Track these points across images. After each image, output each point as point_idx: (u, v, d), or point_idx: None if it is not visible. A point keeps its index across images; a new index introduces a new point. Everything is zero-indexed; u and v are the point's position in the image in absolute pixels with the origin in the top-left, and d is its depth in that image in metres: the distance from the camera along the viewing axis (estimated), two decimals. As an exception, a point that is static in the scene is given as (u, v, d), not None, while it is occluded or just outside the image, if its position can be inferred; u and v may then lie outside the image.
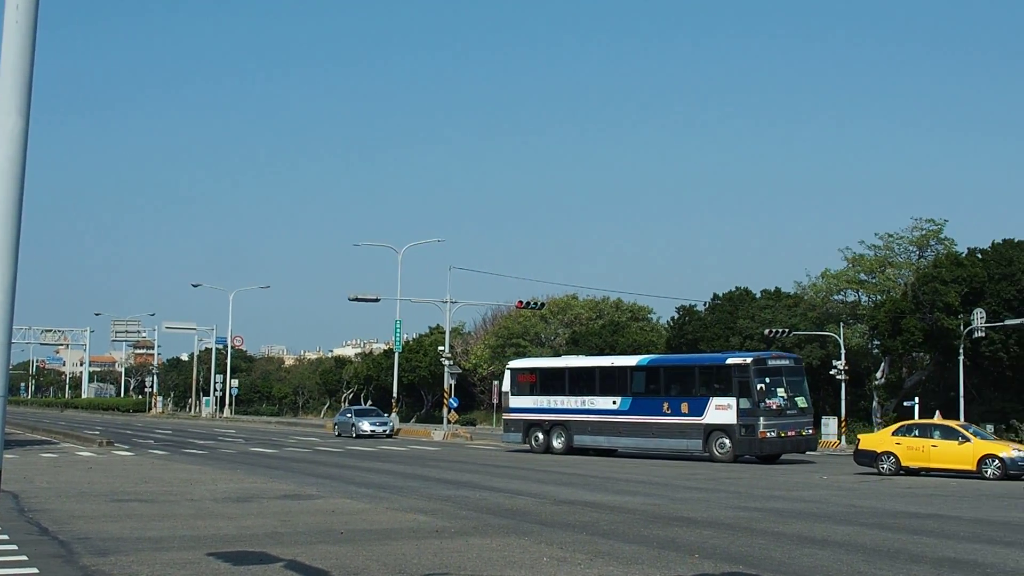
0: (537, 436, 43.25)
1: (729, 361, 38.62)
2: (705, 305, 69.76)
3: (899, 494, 26.05)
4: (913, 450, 32.72)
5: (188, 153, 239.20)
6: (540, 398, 43.72)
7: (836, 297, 65.85)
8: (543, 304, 69.60)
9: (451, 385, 59.01)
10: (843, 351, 54.88)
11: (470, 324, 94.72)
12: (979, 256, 55.20)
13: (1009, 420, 49.24)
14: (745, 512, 20.94)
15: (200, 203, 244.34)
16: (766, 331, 57.71)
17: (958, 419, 46.06)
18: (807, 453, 40.51)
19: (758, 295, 68.31)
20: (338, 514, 19.82)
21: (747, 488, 27.06)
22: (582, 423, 41.93)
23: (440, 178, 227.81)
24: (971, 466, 31.59)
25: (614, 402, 41.04)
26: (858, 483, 29.24)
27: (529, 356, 77.88)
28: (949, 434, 32.72)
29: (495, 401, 73.76)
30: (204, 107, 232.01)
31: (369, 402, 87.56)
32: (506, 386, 45.40)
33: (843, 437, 52.27)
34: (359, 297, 59.04)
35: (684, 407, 38.85)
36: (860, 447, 34.24)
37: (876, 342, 58.52)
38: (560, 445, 42.51)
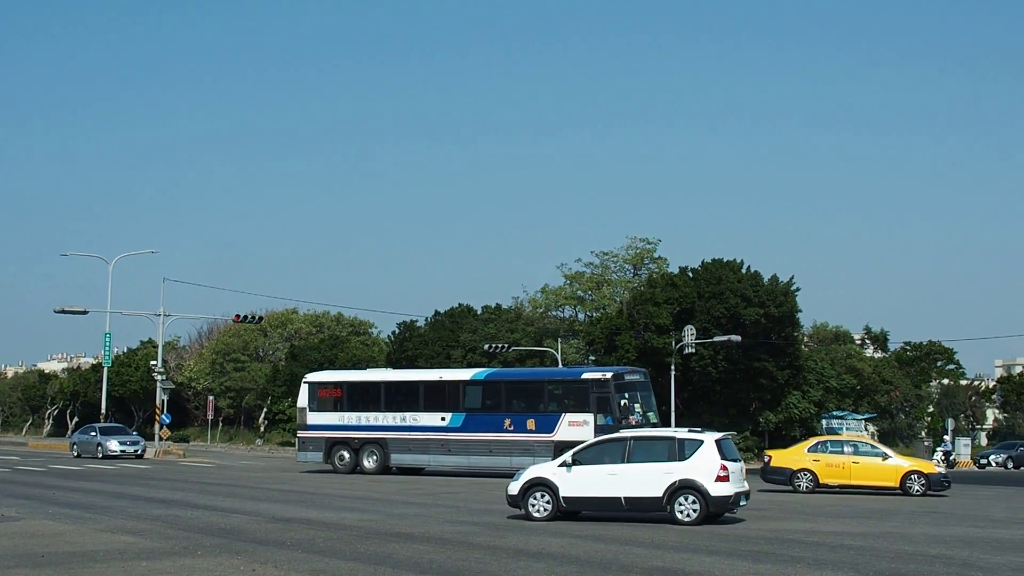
0: (343, 455, 40.63)
1: (586, 376, 37.86)
2: (427, 321, 70.32)
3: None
4: (833, 467, 32.81)
5: None
6: (348, 414, 40.99)
7: (554, 313, 67.53)
8: (261, 318, 68.46)
9: (164, 401, 57.14)
10: (560, 365, 56.14)
11: (185, 338, 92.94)
12: (690, 275, 57.59)
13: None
14: (462, 527, 21.04)
15: None
16: (487, 346, 58.56)
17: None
18: None
19: (480, 311, 69.30)
20: (39, 536, 18.76)
21: (464, 503, 27.26)
22: (402, 441, 39.76)
23: (156, 188, 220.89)
24: (894, 483, 32.09)
25: (443, 418, 39.12)
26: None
27: (247, 371, 76.75)
28: (868, 451, 33.25)
29: (210, 417, 72.22)
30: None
31: (76, 419, 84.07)
32: (302, 401, 42.22)
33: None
34: (66, 309, 56.80)
35: (531, 424, 37.52)
36: (772, 464, 33.83)
37: (592, 357, 60.25)
38: (373, 464, 40.11)
